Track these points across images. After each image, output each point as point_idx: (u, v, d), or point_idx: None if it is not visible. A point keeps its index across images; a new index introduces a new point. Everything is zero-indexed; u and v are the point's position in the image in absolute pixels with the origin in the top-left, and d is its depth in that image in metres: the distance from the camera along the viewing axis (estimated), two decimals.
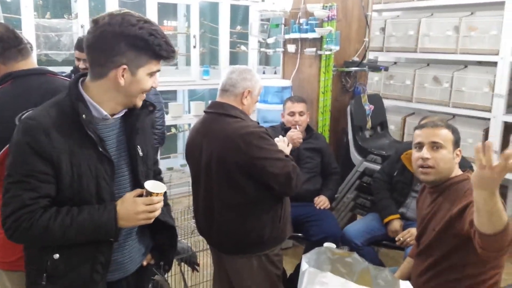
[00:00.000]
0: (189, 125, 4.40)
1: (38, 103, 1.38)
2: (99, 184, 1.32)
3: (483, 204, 1.28)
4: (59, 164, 1.26)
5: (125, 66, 1.28)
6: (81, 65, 2.90)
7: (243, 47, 4.69)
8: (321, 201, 2.93)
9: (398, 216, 2.66)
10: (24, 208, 1.24)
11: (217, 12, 4.37)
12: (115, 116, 1.39)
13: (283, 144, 2.14)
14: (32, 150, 1.24)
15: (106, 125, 1.37)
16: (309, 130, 3.09)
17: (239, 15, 4.96)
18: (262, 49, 3.93)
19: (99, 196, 1.33)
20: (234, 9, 4.41)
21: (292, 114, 2.99)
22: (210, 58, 4.99)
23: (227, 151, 1.96)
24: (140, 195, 1.33)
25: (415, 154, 1.79)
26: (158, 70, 1.37)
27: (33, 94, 1.61)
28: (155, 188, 1.33)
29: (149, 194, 1.32)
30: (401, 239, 2.51)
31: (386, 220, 2.66)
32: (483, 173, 1.22)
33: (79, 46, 2.87)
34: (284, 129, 2.98)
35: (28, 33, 3.40)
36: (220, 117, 2.06)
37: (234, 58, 4.79)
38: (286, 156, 2.04)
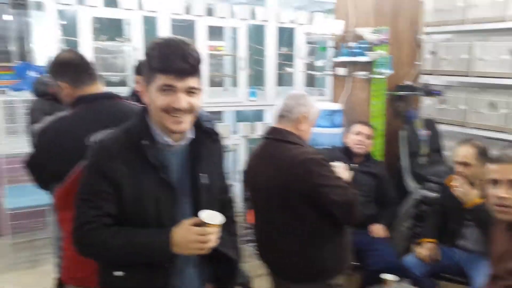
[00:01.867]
0: (235, 145, 4.42)
1: (107, 126, 1.44)
2: (159, 209, 1.34)
3: None
4: (121, 186, 1.32)
5: (143, 85, 1.34)
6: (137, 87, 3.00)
7: (289, 69, 4.70)
8: (378, 229, 2.86)
9: (433, 240, 2.61)
10: (87, 224, 1.32)
11: (263, 33, 4.41)
12: (181, 143, 1.40)
13: (343, 169, 2.10)
14: (97, 171, 1.33)
15: (171, 151, 1.39)
16: (367, 155, 3.09)
17: (285, 36, 4.99)
18: (310, 72, 3.92)
19: (159, 221, 1.35)
20: (280, 30, 4.44)
21: (358, 134, 3.01)
22: (255, 79, 5.02)
23: (287, 178, 1.95)
24: (198, 224, 1.32)
25: (490, 190, 1.70)
26: (169, 86, 1.29)
27: (103, 118, 1.67)
28: (210, 219, 1.31)
29: (204, 224, 1.31)
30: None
31: (419, 241, 2.61)
32: None
33: (138, 69, 2.97)
34: (344, 151, 3.00)
35: (86, 55, 3.52)
36: (279, 143, 2.06)
37: (280, 80, 4.80)
38: (346, 183, 2.00)
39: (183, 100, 1.28)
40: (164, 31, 3.84)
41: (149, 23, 3.85)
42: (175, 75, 1.27)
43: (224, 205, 1.58)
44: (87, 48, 3.56)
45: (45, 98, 2.81)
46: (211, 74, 4.33)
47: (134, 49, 3.73)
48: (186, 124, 1.33)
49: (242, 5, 4.32)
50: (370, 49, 3.25)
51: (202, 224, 1.30)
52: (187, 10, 3.91)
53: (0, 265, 3.57)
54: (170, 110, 1.29)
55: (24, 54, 4.75)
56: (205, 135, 1.46)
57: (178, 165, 1.41)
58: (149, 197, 1.33)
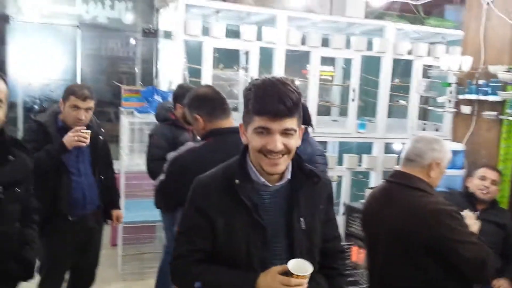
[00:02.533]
0: (339, 177, 4.32)
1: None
2: (249, 249, 1.32)
3: None
4: (215, 223, 1.32)
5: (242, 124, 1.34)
6: None
7: (402, 101, 4.51)
8: (502, 284, 2.59)
9: None
10: (181, 258, 1.36)
11: (376, 64, 4.30)
12: (278, 183, 1.35)
13: (471, 220, 1.94)
14: (194, 206, 1.36)
15: (267, 191, 1.35)
16: (493, 202, 2.82)
17: (399, 67, 4.81)
18: (429, 107, 3.72)
19: (248, 261, 1.32)
20: (394, 61, 4.30)
21: (483, 178, 2.78)
22: (363, 110, 4.90)
23: (411, 227, 1.84)
24: (286, 273, 1.24)
25: None
26: (264, 128, 1.25)
27: (231, 151, 1.71)
28: (298, 269, 1.23)
29: (291, 274, 1.23)
30: None
31: None
32: None
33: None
34: (465, 196, 2.78)
35: (206, 82, 3.74)
36: (405, 189, 1.95)
37: (390, 112, 4.62)
38: (479, 238, 1.84)
39: (279, 142, 1.24)
40: (279, 61, 3.94)
41: (265, 53, 3.96)
42: (270, 116, 1.23)
43: (330, 255, 1.48)
44: (208, 75, 3.77)
45: (166, 123, 2.98)
46: (319, 103, 4.31)
47: (251, 77, 3.86)
48: (282, 165, 1.29)
49: (358, 36, 4.26)
50: (502, 88, 2.98)
51: (289, 273, 1.23)
52: (303, 41, 3.97)
53: (111, 274, 3.81)
54: (266, 152, 1.26)
55: (148, 78, 5.18)
56: (306, 176, 1.39)
57: (274, 206, 1.36)
58: (240, 236, 1.31)
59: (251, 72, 3.90)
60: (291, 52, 4.04)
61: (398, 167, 2.09)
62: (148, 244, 4.22)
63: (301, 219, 1.36)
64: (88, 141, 2.39)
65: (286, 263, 1.25)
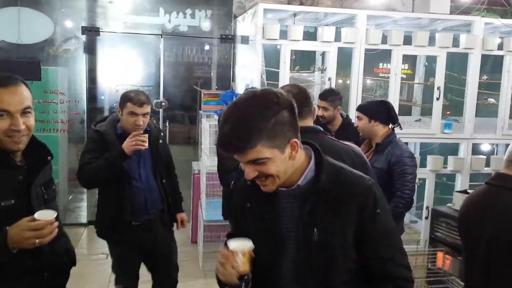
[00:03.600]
0: (420, 180, 4.14)
1: None
2: (259, 254, 1.29)
3: None
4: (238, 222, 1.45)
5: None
6: (320, 112, 3.13)
7: (491, 99, 4.23)
8: None
9: None
10: None
11: (456, 60, 4.07)
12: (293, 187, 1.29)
13: None
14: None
15: (282, 194, 1.31)
16: None
17: (486, 64, 4.52)
18: None
19: (260, 265, 1.31)
20: (482, 57, 4.04)
21: None
22: (446, 109, 4.66)
23: None
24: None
25: None
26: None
27: None
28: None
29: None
30: None
31: None
32: None
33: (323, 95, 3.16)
34: None
35: (283, 84, 3.76)
36: (508, 193, 1.82)
37: (477, 110, 4.35)
38: None
39: (250, 172, 1.21)
40: (358, 61, 3.86)
41: (341, 53, 3.90)
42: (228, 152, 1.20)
43: (376, 280, 1.29)
44: (285, 78, 3.79)
45: None
46: (400, 102, 4.16)
47: (329, 79, 3.82)
48: (271, 186, 1.24)
49: (442, 32, 4.07)
50: None
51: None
52: (383, 40, 3.87)
53: (193, 270, 3.94)
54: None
55: (223, 82, 5.32)
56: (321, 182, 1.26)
57: (290, 211, 1.28)
58: (252, 238, 1.28)
59: (328, 73, 3.87)
60: (370, 51, 3.95)
61: (501, 170, 1.96)
62: None
63: (315, 229, 1.24)
64: (146, 144, 2.39)
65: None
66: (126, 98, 2.42)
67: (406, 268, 1.32)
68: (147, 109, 2.44)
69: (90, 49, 5.07)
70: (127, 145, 2.35)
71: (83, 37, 4.95)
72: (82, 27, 4.86)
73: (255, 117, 1.14)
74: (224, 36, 4.99)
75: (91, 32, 4.90)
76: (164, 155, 2.68)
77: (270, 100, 1.17)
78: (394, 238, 1.32)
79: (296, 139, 1.22)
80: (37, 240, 1.34)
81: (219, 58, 5.48)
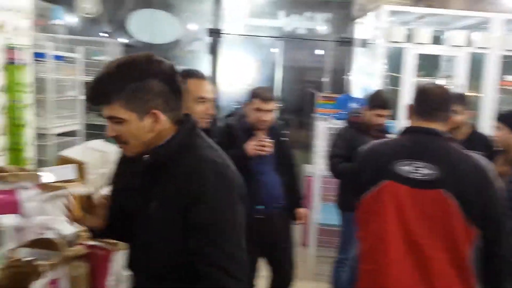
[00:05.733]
0: None
1: (411, 158, 1.59)
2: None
3: None
4: None
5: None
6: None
7: None
8: None
9: None
10: None
11: None
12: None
13: None
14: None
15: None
16: None
17: None
18: None
19: None
20: None
21: None
22: None
23: None
24: None
25: None
26: None
27: (409, 150, 1.64)
28: None
29: None
30: None
31: None
32: None
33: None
34: None
35: (406, 89, 3.65)
36: None
37: None
38: None
39: (110, 130, 1.24)
40: (492, 67, 3.60)
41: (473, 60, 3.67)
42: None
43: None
44: (408, 83, 3.67)
45: (349, 126, 3.03)
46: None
47: (459, 86, 3.62)
48: (128, 152, 1.27)
49: None
50: None
51: None
52: None
53: (303, 273, 3.91)
54: None
55: (337, 85, 5.28)
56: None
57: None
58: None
59: (457, 79, 3.66)
60: (508, 59, 3.65)
61: None
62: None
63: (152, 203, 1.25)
64: (268, 149, 2.41)
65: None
66: (253, 94, 2.51)
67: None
68: (273, 105, 2.50)
69: (212, 50, 5.38)
70: (250, 147, 2.42)
71: (206, 39, 5.26)
72: (208, 29, 5.17)
73: (115, 75, 1.19)
74: (341, 40, 4.97)
75: (215, 34, 5.19)
76: (286, 153, 2.73)
77: (138, 64, 1.20)
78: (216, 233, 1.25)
79: (157, 111, 1.20)
80: None
81: (335, 62, 5.47)
